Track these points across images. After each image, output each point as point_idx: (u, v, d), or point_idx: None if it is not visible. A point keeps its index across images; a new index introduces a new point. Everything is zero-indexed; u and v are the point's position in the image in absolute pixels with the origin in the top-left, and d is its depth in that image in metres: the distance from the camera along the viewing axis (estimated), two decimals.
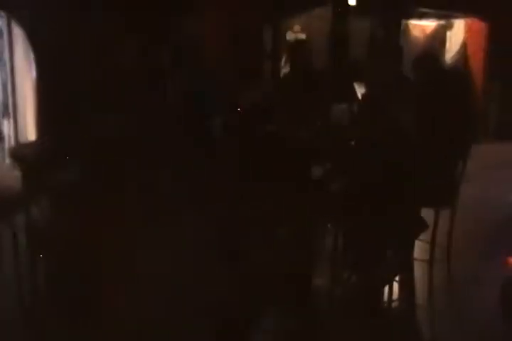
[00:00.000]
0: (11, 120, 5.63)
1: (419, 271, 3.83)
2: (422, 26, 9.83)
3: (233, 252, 3.37)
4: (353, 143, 3.99)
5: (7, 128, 5.69)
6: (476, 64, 9.57)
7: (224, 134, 4.08)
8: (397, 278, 3.39)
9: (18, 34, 4.78)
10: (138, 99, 4.12)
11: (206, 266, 3.27)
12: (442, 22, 9.79)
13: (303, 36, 8.25)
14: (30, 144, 4.27)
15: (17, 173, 3.51)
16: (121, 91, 4.09)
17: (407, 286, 3.36)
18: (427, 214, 3.65)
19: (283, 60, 6.94)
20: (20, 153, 3.89)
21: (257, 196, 3.59)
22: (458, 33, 9.67)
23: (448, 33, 9.74)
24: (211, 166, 3.58)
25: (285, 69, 6.53)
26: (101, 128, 3.50)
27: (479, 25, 9.50)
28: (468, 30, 9.61)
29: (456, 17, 9.63)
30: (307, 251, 3.48)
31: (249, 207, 3.47)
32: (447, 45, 9.71)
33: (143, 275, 3.21)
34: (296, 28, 8.33)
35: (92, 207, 3.06)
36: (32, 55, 4.08)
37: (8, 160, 4.77)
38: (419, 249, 3.85)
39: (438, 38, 9.75)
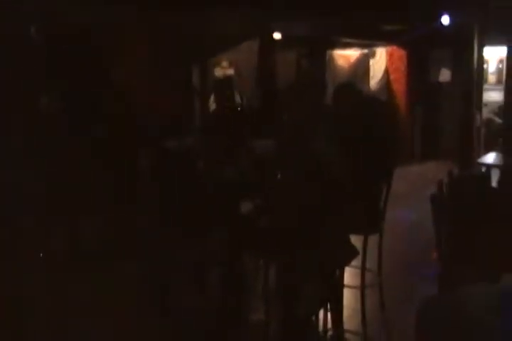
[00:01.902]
0: None
1: (350, 297, 3.94)
2: (346, 55, 10.21)
3: (164, 298, 3.37)
4: (279, 176, 4.07)
5: None
6: (399, 88, 10.03)
7: (152, 175, 4.11)
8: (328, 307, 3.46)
9: None
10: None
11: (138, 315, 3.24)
12: (365, 51, 10.20)
13: (231, 71, 8.39)
14: None
15: None
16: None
17: (337, 314, 3.43)
18: (355, 240, 3.76)
19: (211, 97, 7.04)
20: None
21: (187, 235, 3.63)
22: (380, 60, 10.08)
23: (371, 61, 10.13)
24: (139, 208, 3.60)
25: (213, 107, 6.62)
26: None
27: (399, 53, 9.98)
28: (390, 57, 10.05)
29: (378, 45, 10.07)
30: (239, 287, 3.53)
31: (180, 246, 3.50)
32: (371, 72, 10.10)
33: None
34: (224, 63, 8.46)
35: None
36: None
37: None
38: (350, 275, 3.95)
39: (362, 66, 10.14)
